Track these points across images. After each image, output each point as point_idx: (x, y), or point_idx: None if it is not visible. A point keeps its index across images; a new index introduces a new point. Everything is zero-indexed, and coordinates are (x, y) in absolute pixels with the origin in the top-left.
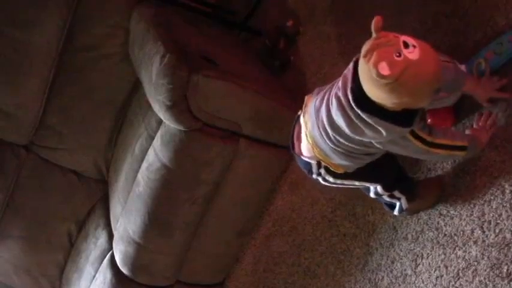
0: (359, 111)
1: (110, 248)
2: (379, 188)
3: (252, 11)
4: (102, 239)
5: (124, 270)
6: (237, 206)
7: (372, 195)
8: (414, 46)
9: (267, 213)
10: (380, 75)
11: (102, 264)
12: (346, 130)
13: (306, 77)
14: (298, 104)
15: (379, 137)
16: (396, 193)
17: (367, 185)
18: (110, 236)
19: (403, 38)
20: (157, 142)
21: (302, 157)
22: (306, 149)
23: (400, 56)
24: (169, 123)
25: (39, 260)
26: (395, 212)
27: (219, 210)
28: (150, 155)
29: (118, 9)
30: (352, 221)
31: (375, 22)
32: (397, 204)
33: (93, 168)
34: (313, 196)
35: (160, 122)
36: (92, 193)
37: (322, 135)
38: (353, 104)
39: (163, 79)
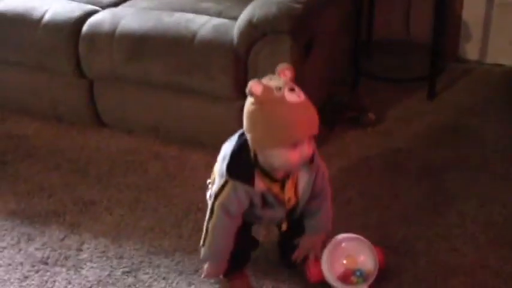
0: None
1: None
2: None
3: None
4: None
5: (85, 28)
6: None
7: None
8: (299, 96)
9: None
10: (250, 91)
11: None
12: None
13: None
14: None
15: None
16: None
17: None
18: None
19: (293, 85)
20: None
21: None
22: None
23: (280, 90)
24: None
25: None
26: None
27: None
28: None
29: None
30: None
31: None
32: None
33: None
34: None
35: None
36: None
37: None
38: None
39: (276, 9)
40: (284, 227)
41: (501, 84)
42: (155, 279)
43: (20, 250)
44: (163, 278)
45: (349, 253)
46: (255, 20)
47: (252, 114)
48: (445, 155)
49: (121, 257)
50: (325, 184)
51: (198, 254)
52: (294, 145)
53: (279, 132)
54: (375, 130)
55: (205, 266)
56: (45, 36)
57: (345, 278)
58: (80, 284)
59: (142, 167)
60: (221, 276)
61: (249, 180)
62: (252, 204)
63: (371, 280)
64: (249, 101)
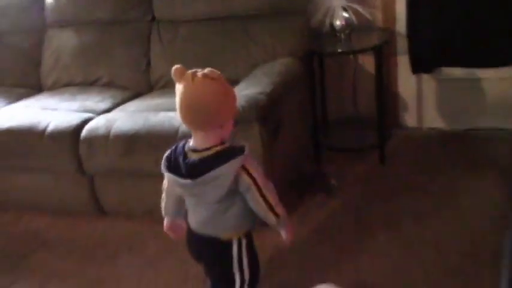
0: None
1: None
2: (246, 283)
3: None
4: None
5: (83, 133)
6: None
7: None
8: None
9: None
10: (217, 75)
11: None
12: None
13: None
14: None
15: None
16: None
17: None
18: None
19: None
20: None
21: None
22: None
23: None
24: None
25: None
26: None
27: None
28: None
29: None
30: None
31: (175, 71)
32: None
33: None
34: None
35: None
36: None
37: None
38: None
39: (244, 101)
40: None
41: (437, 145)
42: None
43: None
44: None
45: None
46: None
47: (223, 94)
48: (399, 208)
49: None
50: None
51: None
52: None
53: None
54: (338, 194)
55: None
56: (50, 144)
57: None
58: None
59: (143, 247)
60: None
61: (235, 147)
62: None
63: None
64: (212, 87)
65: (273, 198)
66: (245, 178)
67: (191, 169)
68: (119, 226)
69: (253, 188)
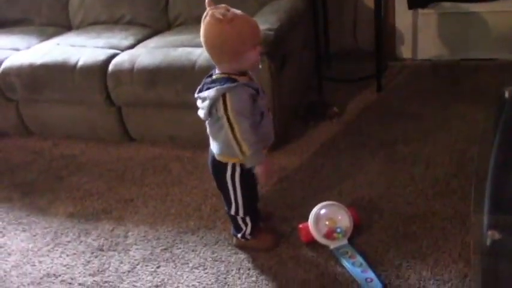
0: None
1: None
2: (240, 206)
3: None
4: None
5: (110, 67)
6: None
7: (232, 212)
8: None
9: None
10: (219, 16)
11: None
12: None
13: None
14: None
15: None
16: (247, 219)
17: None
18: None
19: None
20: None
21: None
22: None
23: (229, 10)
24: None
25: None
26: (239, 235)
27: None
28: None
29: None
30: None
31: (207, 2)
32: (243, 230)
33: None
34: None
35: None
36: None
37: None
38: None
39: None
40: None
41: (430, 75)
42: (186, 252)
43: (81, 242)
44: (192, 251)
45: (329, 216)
46: None
47: (225, 32)
48: (394, 132)
49: (158, 238)
50: None
51: (216, 229)
52: (256, 46)
53: (252, 35)
54: (339, 120)
55: (258, 171)
56: (80, 77)
57: (329, 235)
58: (129, 262)
59: (166, 168)
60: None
61: (234, 80)
62: (254, 99)
63: (349, 234)
64: (215, 28)
65: (241, 134)
66: (220, 105)
67: (201, 87)
68: (145, 151)
69: (225, 117)
